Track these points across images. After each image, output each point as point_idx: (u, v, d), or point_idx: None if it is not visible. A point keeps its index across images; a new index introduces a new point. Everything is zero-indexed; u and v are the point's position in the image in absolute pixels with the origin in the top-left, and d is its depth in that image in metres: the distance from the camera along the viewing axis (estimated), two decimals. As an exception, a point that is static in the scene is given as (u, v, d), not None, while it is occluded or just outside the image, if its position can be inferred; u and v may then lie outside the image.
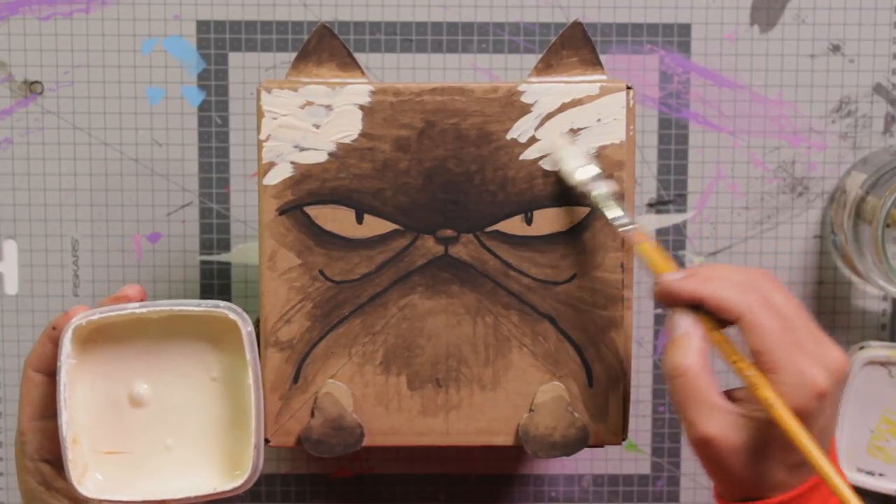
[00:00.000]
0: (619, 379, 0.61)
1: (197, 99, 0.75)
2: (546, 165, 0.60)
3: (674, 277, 0.55)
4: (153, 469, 0.60)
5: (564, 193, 0.60)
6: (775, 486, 0.54)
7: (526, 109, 0.60)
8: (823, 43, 0.76)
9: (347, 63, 0.61)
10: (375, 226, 0.60)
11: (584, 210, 0.60)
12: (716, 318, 0.54)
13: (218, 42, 0.75)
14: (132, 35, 0.75)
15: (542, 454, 0.61)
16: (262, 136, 0.60)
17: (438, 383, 0.61)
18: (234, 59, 0.75)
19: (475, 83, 0.60)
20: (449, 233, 0.60)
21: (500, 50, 0.75)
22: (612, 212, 0.58)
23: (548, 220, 0.60)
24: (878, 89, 0.76)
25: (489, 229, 0.60)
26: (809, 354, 0.52)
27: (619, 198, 0.59)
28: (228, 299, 0.76)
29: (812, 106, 0.76)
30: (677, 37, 0.75)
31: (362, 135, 0.60)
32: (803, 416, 0.51)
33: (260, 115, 0.60)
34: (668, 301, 0.55)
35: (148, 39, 0.75)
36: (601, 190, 0.59)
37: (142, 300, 0.60)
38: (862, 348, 0.75)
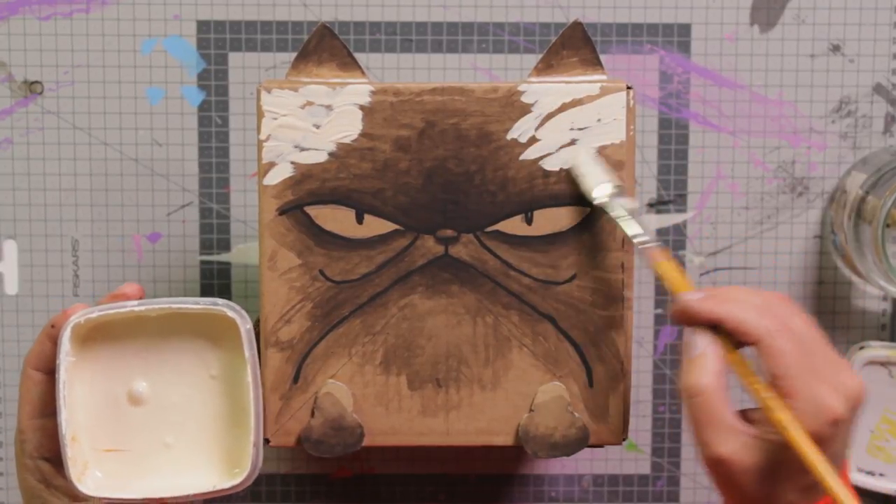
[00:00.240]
0: (619, 379, 0.61)
1: (197, 99, 0.75)
2: (546, 165, 0.60)
3: (693, 297, 0.55)
4: (152, 467, 0.60)
5: (565, 193, 0.60)
6: (778, 501, 0.54)
7: (526, 109, 0.60)
8: (823, 43, 0.76)
9: (347, 63, 0.61)
10: (375, 226, 0.60)
11: (584, 210, 0.60)
12: (733, 339, 0.54)
13: (218, 42, 0.75)
14: (132, 35, 0.75)
15: (542, 454, 0.61)
16: (262, 136, 0.60)
17: (438, 383, 0.61)
18: (234, 59, 0.75)
19: (475, 83, 0.60)
20: (449, 233, 0.60)
21: (500, 50, 0.75)
22: (632, 228, 0.58)
23: (548, 220, 0.60)
24: (878, 89, 0.76)
25: (489, 229, 0.60)
26: (826, 380, 0.52)
27: (638, 214, 0.59)
28: (228, 299, 0.76)
29: (812, 106, 0.76)
30: (677, 37, 0.75)
31: (362, 135, 0.60)
32: (818, 441, 0.51)
33: (260, 115, 0.60)
34: (687, 321, 0.55)
35: (148, 39, 0.75)
36: (620, 206, 0.58)
37: (140, 298, 0.60)
38: (862, 348, 0.75)
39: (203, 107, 0.75)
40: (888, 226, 0.70)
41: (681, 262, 0.77)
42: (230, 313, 0.58)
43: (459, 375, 0.61)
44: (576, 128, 0.60)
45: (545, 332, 0.61)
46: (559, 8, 0.75)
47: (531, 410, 0.61)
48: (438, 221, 0.60)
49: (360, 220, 0.60)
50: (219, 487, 0.59)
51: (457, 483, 0.78)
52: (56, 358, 0.58)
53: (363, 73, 0.61)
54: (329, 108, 0.60)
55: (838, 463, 0.53)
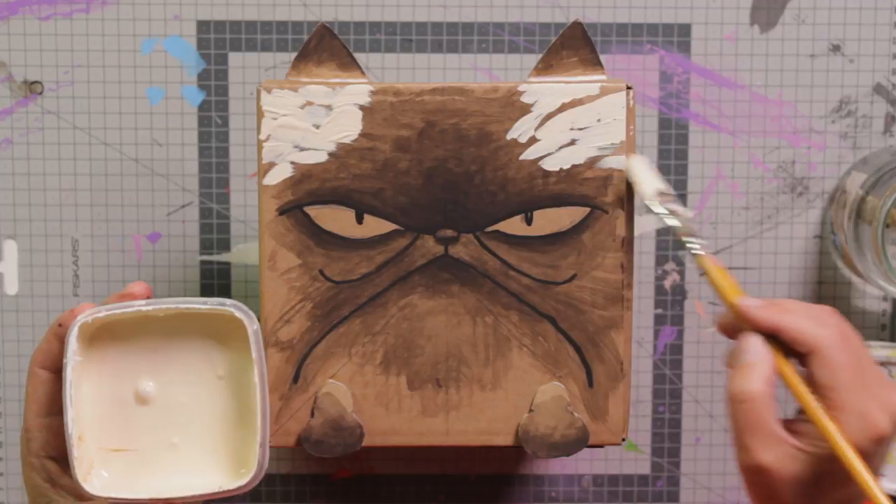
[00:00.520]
0: (619, 379, 0.61)
1: (197, 99, 0.75)
2: (546, 165, 0.60)
3: (753, 304, 0.55)
4: (159, 467, 0.60)
5: (564, 193, 0.60)
6: None
7: (526, 109, 0.60)
8: (823, 43, 0.76)
9: (347, 63, 0.61)
10: (375, 226, 0.60)
11: (585, 210, 0.60)
12: (785, 348, 0.54)
13: (218, 42, 0.75)
14: (132, 35, 0.75)
15: (542, 454, 0.61)
16: (262, 136, 0.60)
17: (438, 383, 0.61)
18: (234, 59, 0.75)
19: (475, 83, 0.60)
20: (449, 233, 0.60)
21: (500, 50, 0.75)
22: (685, 235, 0.58)
23: (548, 220, 0.60)
24: (878, 89, 0.76)
25: (489, 229, 0.60)
26: (875, 396, 0.53)
27: (692, 221, 0.58)
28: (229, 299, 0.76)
29: (812, 106, 0.76)
30: (677, 37, 0.75)
31: (362, 135, 0.60)
32: (860, 456, 0.51)
33: (260, 115, 0.60)
34: (745, 324, 0.55)
35: (148, 39, 0.75)
36: (673, 213, 0.58)
37: (147, 297, 0.60)
38: (862, 348, 0.75)
39: (203, 107, 0.75)
40: (888, 226, 0.70)
41: (680, 263, 0.77)
42: (238, 313, 0.58)
43: (459, 375, 0.61)
44: (576, 128, 0.60)
45: (545, 332, 0.61)
46: (559, 8, 0.75)
47: (531, 410, 0.61)
48: (438, 221, 0.60)
49: (359, 220, 0.60)
50: (225, 488, 0.59)
51: (457, 483, 0.78)
52: (63, 357, 0.58)
53: (363, 73, 0.61)
54: (329, 108, 0.60)
55: (874, 477, 0.53)
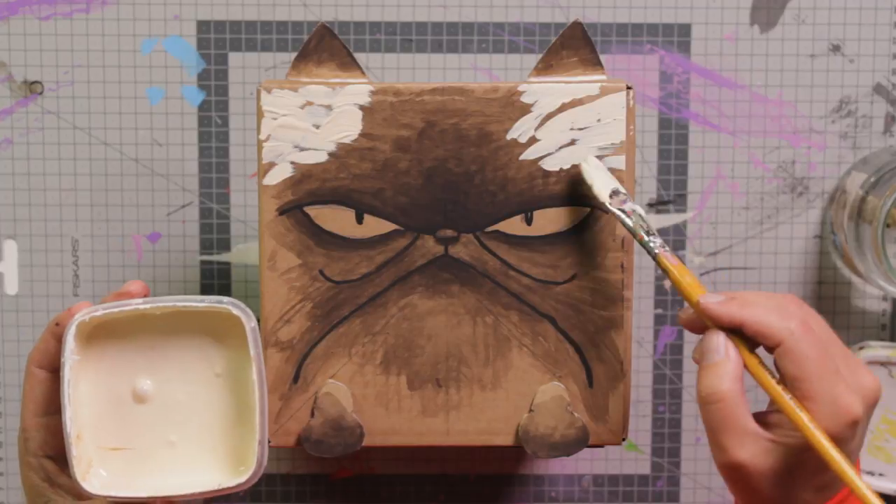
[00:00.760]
0: (619, 379, 0.61)
1: (197, 99, 0.75)
2: (546, 165, 0.60)
3: (713, 300, 0.55)
4: (157, 465, 0.60)
5: (564, 193, 0.60)
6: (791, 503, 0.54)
7: (526, 109, 0.60)
8: (823, 43, 0.76)
9: (347, 63, 0.61)
10: (375, 226, 0.60)
11: (585, 210, 0.60)
12: (750, 342, 0.54)
13: (218, 42, 0.75)
14: (132, 35, 0.75)
15: (542, 454, 0.61)
16: (262, 136, 0.60)
17: (438, 383, 0.61)
18: (234, 59, 0.75)
19: (475, 83, 0.60)
20: (449, 233, 0.60)
21: (500, 50, 0.75)
22: (642, 232, 0.58)
23: (548, 220, 0.60)
24: (878, 89, 0.76)
25: (489, 229, 0.60)
26: (844, 381, 0.53)
27: (645, 218, 0.58)
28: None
29: (812, 106, 0.76)
30: (677, 37, 0.75)
31: (362, 135, 0.60)
32: (836, 442, 0.51)
33: (260, 115, 0.60)
34: (708, 322, 0.55)
35: (148, 39, 0.75)
36: (628, 213, 0.58)
37: (145, 296, 0.60)
38: (862, 348, 0.75)
39: (203, 107, 0.75)
40: (888, 226, 0.70)
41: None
42: (235, 311, 0.58)
43: (459, 375, 0.61)
44: (576, 128, 0.60)
45: (545, 332, 0.61)
46: (559, 8, 0.75)
47: (531, 410, 0.61)
48: (438, 221, 0.60)
49: (359, 220, 0.60)
50: (224, 486, 0.58)
51: (457, 483, 0.78)
52: (60, 356, 0.58)
53: (363, 73, 0.61)
54: (329, 108, 0.60)
55: (852, 461, 0.54)
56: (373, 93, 0.60)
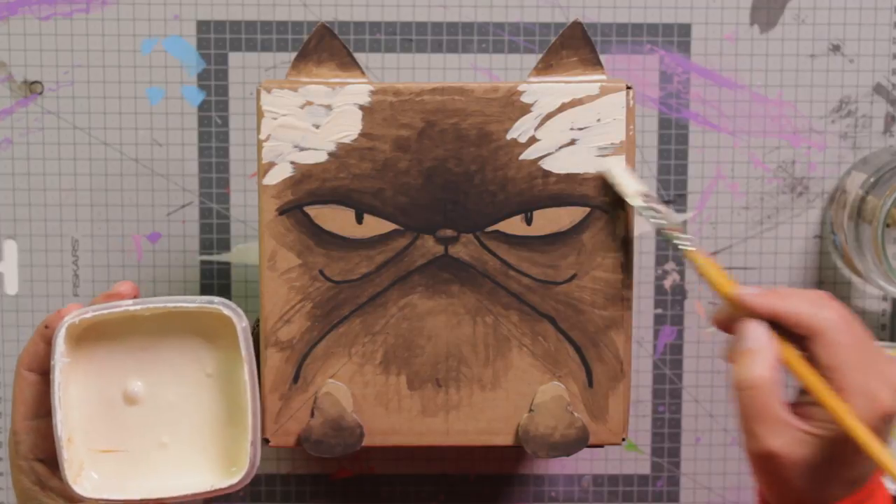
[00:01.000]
0: (619, 379, 0.61)
1: (197, 99, 0.75)
2: (546, 165, 0.60)
3: (750, 292, 0.55)
4: (149, 467, 0.60)
5: (564, 193, 0.60)
6: (827, 499, 0.54)
7: (526, 109, 0.60)
8: (823, 43, 0.76)
9: (347, 63, 0.61)
10: (375, 226, 0.60)
11: (584, 210, 0.60)
12: (785, 334, 0.54)
13: (218, 42, 0.75)
14: (132, 35, 0.75)
15: (542, 454, 0.61)
16: (262, 136, 0.60)
17: (438, 383, 0.61)
18: (234, 59, 0.75)
19: (475, 83, 0.60)
20: (449, 233, 0.60)
21: (500, 50, 0.75)
22: (674, 233, 0.58)
23: (548, 220, 0.60)
24: (878, 89, 0.76)
25: (489, 229, 0.60)
26: (879, 374, 0.53)
27: (676, 219, 0.58)
28: (228, 299, 0.76)
29: (812, 106, 0.76)
30: (677, 37, 0.75)
31: (362, 135, 0.60)
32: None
33: (260, 115, 0.60)
34: (742, 313, 0.55)
35: (148, 39, 0.75)
36: (658, 212, 0.58)
37: (135, 297, 0.60)
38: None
39: (203, 107, 0.75)
40: (888, 226, 0.70)
41: (680, 263, 0.77)
42: (226, 311, 0.58)
43: (459, 375, 0.61)
44: (575, 128, 0.60)
45: (545, 332, 0.61)
46: (559, 8, 0.75)
47: (531, 410, 0.61)
48: (438, 221, 0.60)
49: (359, 220, 0.60)
50: (217, 487, 0.58)
51: (457, 483, 0.78)
52: (50, 359, 0.57)
53: (363, 73, 0.61)
54: (329, 108, 0.60)
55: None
56: (373, 93, 0.60)
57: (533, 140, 0.60)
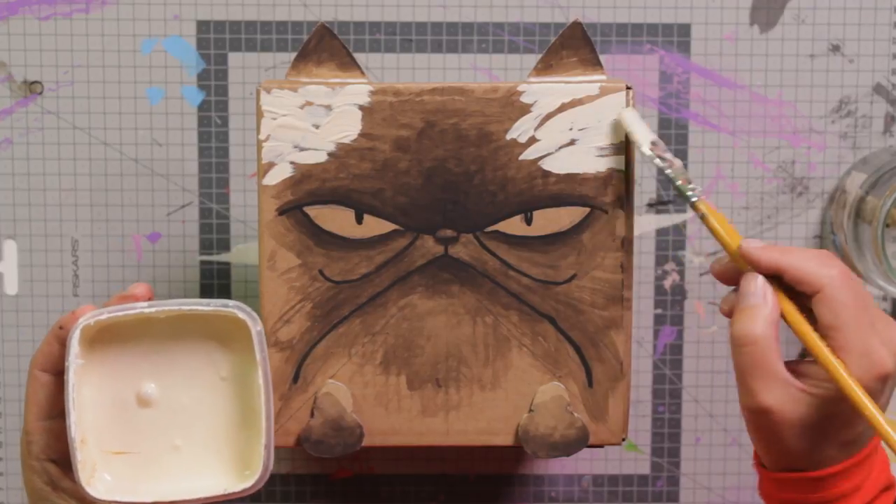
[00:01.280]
0: (619, 379, 0.61)
1: (197, 99, 0.75)
2: (546, 165, 0.60)
3: (755, 244, 0.55)
4: (162, 470, 0.60)
5: (564, 193, 0.60)
6: (823, 461, 0.54)
7: (526, 109, 0.60)
8: (823, 43, 0.76)
9: (347, 63, 0.61)
10: (375, 226, 0.60)
11: (584, 210, 0.60)
12: (786, 290, 0.54)
13: (218, 42, 0.75)
14: (132, 35, 0.75)
15: (541, 454, 0.61)
16: (262, 137, 0.60)
17: (438, 383, 0.61)
18: (234, 59, 0.75)
19: (475, 83, 0.60)
20: (449, 233, 0.60)
21: (500, 50, 0.75)
22: (681, 180, 0.57)
23: (548, 220, 0.60)
24: (878, 89, 0.76)
25: (489, 229, 0.60)
26: (879, 335, 0.53)
27: (683, 169, 0.58)
28: (228, 299, 0.76)
29: (812, 106, 0.76)
30: (677, 37, 0.75)
31: (362, 135, 0.60)
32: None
33: (260, 115, 0.60)
34: (745, 267, 0.55)
35: (148, 39, 0.75)
36: (667, 161, 0.58)
37: (149, 299, 0.60)
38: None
39: (203, 107, 0.75)
40: (888, 226, 0.70)
41: (680, 263, 0.77)
42: (241, 315, 0.58)
43: (459, 375, 0.61)
44: (575, 128, 0.60)
45: (545, 332, 0.61)
46: (559, 8, 0.75)
47: (531, 410, 0.61)
48: (438, 221, 0.60)
49: (359, 220, 0.60)
50: (230, 490, 0.58)
51: (457, 483, 0.78)
52: (64, 359, 0.57)
53: (363, 73, 0.61)
54: (328, 108, 0.60)
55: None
56: (372, 93, 0.60)
57: (533, 140, 0.60)
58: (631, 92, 0.60)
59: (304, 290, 0.61)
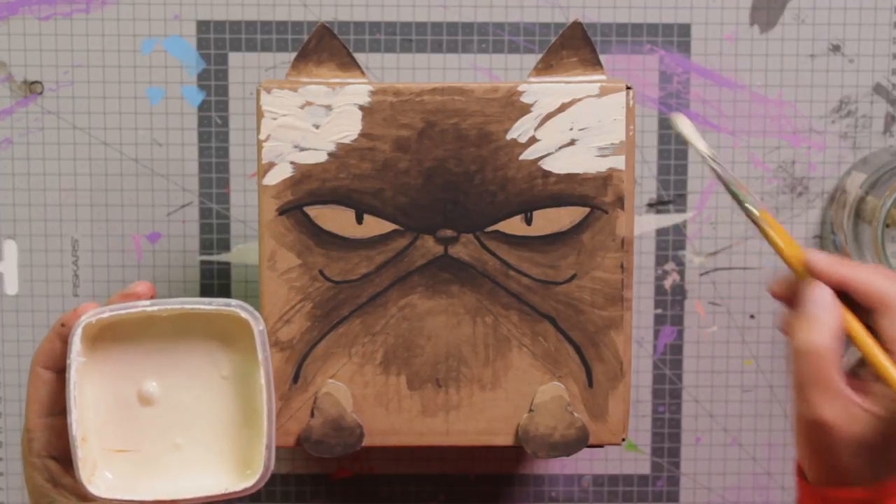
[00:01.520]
0: (619, 379, 0.61)
1: (197, 99, 0.75)
2: (546, 165, 0.60)
3: (822, 257, 0.54)
4: (163, 468, 0.60)
5: (564, 193, 0.60)
6: (876, 479, 0.53)
7: (526, 109, 0.60)
8: (823, 43, 0.76)
9: (347, 63, 0.61)
10: (375, 226, 0.60)
11: (584, 210, 0.60)
12: (851, 305, 0.53)
13: (218, 42, 0.75)
14: (132, 35, 0.75)
15: (541, 454, 0.61)
16: (262, 137, 0.60)
17: (438, 383, 0.61)
18: (234, 59, 0.75)
19: (475, 83, 0.60)
20: (449, 233, 0.60)
21: (500, 50, 0.75)
22: (738, 193, 0.57)
23: (548, 220, 0.60)
24: (878, 89, 0.76)
25: (489, 229, 0.60)
26: None
27: (740, 182, 0.57)
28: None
29: (812, 106, 0.76)
30: (677, 37, 0.75)
31: (362, 135, 0.60)
32: None
33: (260, 115, 0.60)
34: (804, 278, 0.54)
35: (148, 39, 0.75)
36: (726, 171, 0.57)
37: (151, 297, 0.60)
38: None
39: (203, 107, 0.75)
40: (888, 226, 0.70)
41: (680, 263, 0.77)
42: (243, 314, 0.58)
43: (459, 375, 0.61)
44: (575, 128, 0.60)
45: (545, 332, 0.61)
46: (559, 8, 0.75)
47: (531, 410, 0.61)
48: (438, 221, 0.60)
49: (359, 220, 0.60)
50: (231, 489, 0.58)
51: (457, 483, 0.78)
52: (65, 357, 0.57)
53: (363, 73, 0.61)
54: (329, 108, 0.60)
55: None
56: (372, 93, 0.60)
57: (533, 140, 0.60)
58: (631, 92, 0.60)
59: (304, 290, 0.61)
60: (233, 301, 0.58)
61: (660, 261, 0.77)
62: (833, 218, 0.75)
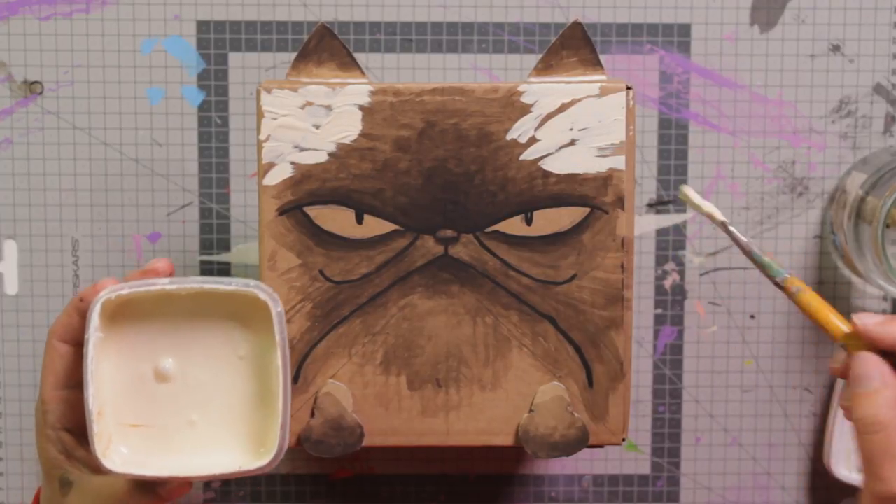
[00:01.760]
0: (619, 379, 0.61)
1: (197, 99, 0.75)
2: (546, 166, 0.60)
3: (871, 321, 0.53)
4: (177, 445, 0.60)
5: (564, 193, 0.60)
6: None
7: (526, 109, 0.60)
8: (823, 43, 0.76)
9: (347, 63, 0.61)
10: (375, 226, 0.60)
11: (585, 210, 0.60)
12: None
13: (218, 42, 0.75)
14: (132, 35, 0.75)
15: (542, 454, 0.61)
16: (262, 137, 0.60)
17: (438, 383, 0.61)
18: (234, 59, 0.75)
19: (475, 83, 0.60)
20: (449, 233, 0.60)
21: (500, 50, 0.75)
22: (765, 258, 0.57)
23: (548, 220, 0.60)
24: (878, 89, 0.76)
25: (489, 229, 0.60)
26: None
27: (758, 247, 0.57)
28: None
29: (812, 106, 0.76)
30: (677, 37, 0.75)
31: (362, 135, 0.60)
32: None
33: (260, 115, 0.60)
34: (853, 343, 0.54)
35: (148, 39, 0.75)
36: (750, 242, 0.57)
37: (170, 274, 0.60)
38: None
39: (203, 107, 0.75)
40: (888, 226, 0.70)
41: (680, 263, 0.77)
42: (261, 295, 0.58)
43: (459, 376, 0.61)
44: (575, 128, 0.60)
45: (545, 333, 0.61)
46: (559, 8, 0.75)
47: (531, 410, 0.61)
48: (438, 221, 0.60)
49: (359, 220, 0.60)
50: (245, 468, 0.58)
51: (457, 483, 0.78)
52: (83, 332, 0.57)
53: (363, 73, 0.61)
54: (329, 108, 0.60)
55: None
56: (373, 93, 0.60)
57: (533, 140, 0.60)
58: (631, 92, 0.60)
59: (304, 290, 0.61)
60: (251, 281, 0.58)
61: (660, 261, 0.77)
62: (833, 218, 0.75)
